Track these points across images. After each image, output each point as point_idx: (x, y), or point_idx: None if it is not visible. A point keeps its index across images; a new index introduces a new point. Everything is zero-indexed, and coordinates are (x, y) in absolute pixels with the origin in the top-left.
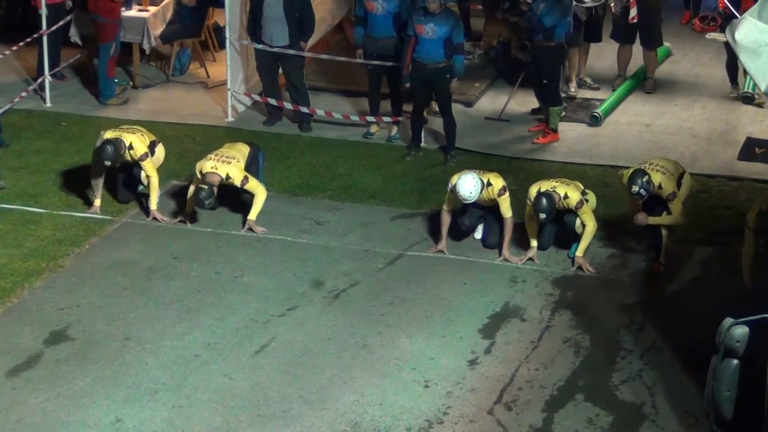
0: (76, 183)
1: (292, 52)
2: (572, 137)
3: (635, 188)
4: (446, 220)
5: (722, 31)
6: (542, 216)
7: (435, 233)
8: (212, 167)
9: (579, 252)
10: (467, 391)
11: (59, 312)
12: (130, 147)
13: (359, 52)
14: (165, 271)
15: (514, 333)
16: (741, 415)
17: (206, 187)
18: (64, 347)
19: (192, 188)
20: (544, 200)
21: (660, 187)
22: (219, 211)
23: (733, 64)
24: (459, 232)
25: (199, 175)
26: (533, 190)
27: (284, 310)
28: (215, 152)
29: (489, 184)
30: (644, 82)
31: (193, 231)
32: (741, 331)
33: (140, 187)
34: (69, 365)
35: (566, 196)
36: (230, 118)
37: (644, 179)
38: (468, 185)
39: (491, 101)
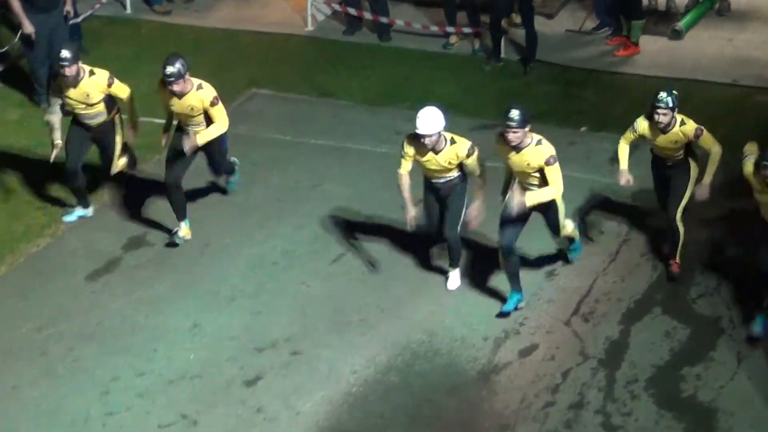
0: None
1: None
2: (653, 50)
3: (663, 95)
4: (406, 182)
5: None
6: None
7: None
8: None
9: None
10: (544, 302)
11: (138, 218)
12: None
13: None
14: (244, 178)
15: (592, 245)
16: None
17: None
18: (143, 253)
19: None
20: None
21: (683, 123)
22: (298, 120)
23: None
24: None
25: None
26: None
27: (363, 219)
28: None
29: (453, 141)
30: (716, 4)
31: (271, 139)
32: None
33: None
34: (147, 270)
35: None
36: (310, 27)
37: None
38: (427, 110)
39: (571, 14)
